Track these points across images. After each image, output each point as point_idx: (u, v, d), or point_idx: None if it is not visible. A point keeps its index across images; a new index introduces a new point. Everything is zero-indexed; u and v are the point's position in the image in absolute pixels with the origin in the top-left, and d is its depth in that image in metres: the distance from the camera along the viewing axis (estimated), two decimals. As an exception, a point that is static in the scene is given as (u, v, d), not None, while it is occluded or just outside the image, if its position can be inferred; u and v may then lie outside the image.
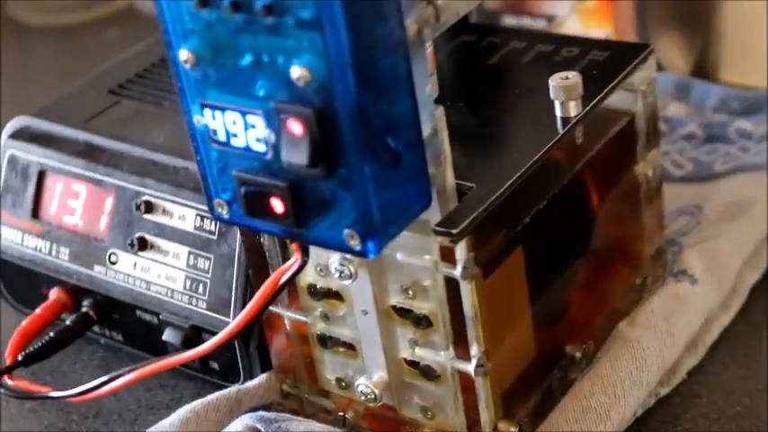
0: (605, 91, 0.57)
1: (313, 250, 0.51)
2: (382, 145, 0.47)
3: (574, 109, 0.56)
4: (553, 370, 0.59)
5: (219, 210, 0.51)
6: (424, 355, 0.54)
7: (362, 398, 0.57)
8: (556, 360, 0.59)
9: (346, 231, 0.48)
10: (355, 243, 0.48)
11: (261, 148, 0.47)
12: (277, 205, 0.48)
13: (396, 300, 0.54)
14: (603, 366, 0.59)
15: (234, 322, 0.54)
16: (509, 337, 0.55)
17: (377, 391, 0.56)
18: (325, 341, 0.58)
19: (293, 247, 0.51)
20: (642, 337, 0.60)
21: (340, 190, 0.47)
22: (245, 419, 0.58)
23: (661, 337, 0.60)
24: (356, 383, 0.56)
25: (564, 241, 0.59)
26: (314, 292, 0.56)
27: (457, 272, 0.51)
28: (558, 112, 0.56)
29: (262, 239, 0.56)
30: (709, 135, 0.75)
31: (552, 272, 0.58)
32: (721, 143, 0.74)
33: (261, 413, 0.58)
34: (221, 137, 0.48)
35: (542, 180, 0.55)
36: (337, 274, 0.54)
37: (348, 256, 0.53)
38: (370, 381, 0.56)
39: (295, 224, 0.48)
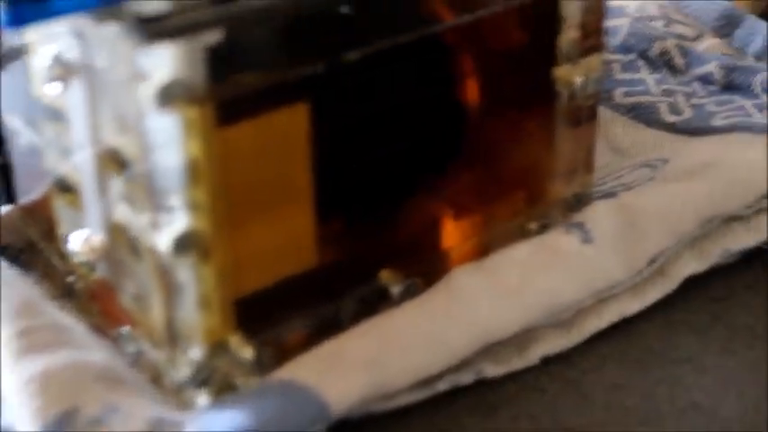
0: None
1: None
2: None
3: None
4: (345, 296, 0.43)
5: None
6: (124, 216, 0.39)
7: (74, 259, 0.42)
8: (354, 283, 0.43)
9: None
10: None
11: None
12: None
13: (111, 132, 0.39)
14: (402, 309, 0.42)
15: None
16: (263, 222, 0.40)
17: (89, 255, 0.42)
18: (61, 181, 0.44)
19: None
20: (473, 286, 0.43)
21: None
22: None
23: (503, 294, 0.43)
24: (68, 236, 0.42)
25: (404, 128, 0.43)
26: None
27: (147, 92, 0.36)
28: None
29: None
30: (729, 81, 0.56)
31: (372, 162, 0.42)
32: (741, 95, 0.55)
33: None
34: None
35: (360, 25, 0.39)
36: (47, 73, 0.39)
37: (64, 53, 0.39)
38: (86, 241, 0.42)
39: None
